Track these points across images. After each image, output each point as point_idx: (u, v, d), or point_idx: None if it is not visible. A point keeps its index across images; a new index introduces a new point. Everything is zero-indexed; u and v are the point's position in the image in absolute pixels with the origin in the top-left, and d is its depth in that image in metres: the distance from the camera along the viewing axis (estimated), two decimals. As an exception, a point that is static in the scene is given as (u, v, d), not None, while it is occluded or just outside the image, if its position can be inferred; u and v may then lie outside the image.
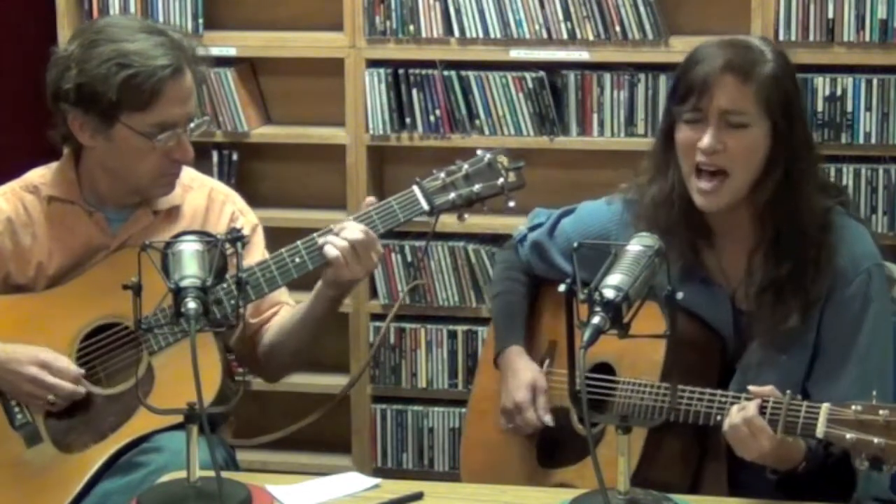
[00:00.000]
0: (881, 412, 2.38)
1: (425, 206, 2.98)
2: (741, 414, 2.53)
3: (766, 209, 2.77)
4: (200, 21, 4.38)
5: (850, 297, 2.73)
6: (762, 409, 2.51)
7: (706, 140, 2.72)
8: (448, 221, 3.05)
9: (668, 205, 2.79)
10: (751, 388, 2.57)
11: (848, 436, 2.40)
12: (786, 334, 2.74)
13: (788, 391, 2.52)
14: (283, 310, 3.15)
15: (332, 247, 2.91)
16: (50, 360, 2.91)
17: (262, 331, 3.13)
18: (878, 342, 2.74)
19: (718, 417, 2.63)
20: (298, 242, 2.95)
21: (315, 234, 2.95)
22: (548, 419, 2.92)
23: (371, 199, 3.01)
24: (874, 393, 2.44)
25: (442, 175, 2.98)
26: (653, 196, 2.83)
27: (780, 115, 2.73)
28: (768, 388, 2.55)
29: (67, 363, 2.93)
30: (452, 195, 2.98)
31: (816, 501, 2.59)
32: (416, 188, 2.98)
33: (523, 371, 2.98)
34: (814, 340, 2.75)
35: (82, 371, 2.93)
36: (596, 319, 2.36)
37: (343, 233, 2.92)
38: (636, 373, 2.80)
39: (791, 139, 2.74)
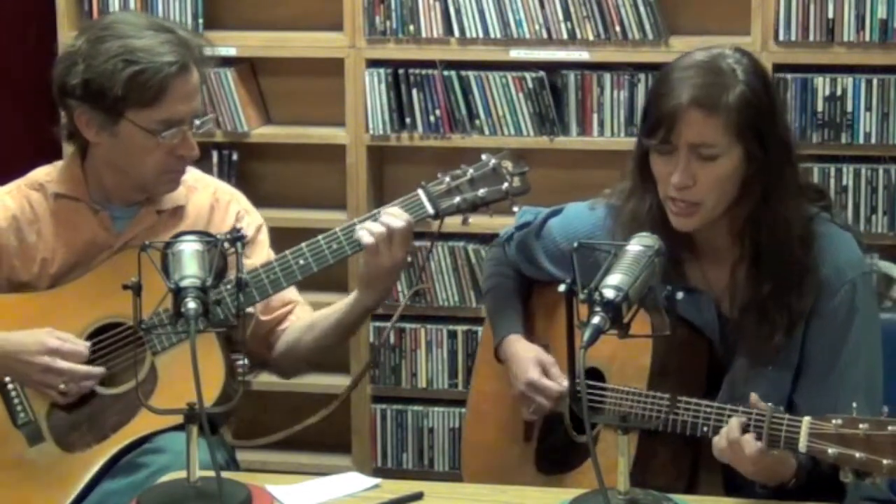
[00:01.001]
0: (861, 426, 2.36)
1: (430, 211, 2.97)
2: (725, 435, 2.52)
3: (746, 226, 2.73)
4: (200, 21, 4.39)
5: (835, 308, 2.70)
6: (746, 427, 2.51)
7: (676, 177, 2.66)
8: (449, 221, 3.04)
9: (649, 221, 2.76)
10: (753, 395, 2.55)
11: (830, 450, 2.38)
12: (770, 350, 2.71)
13: (770, 404, 2.50)
14: (299, 308, 3.16)
15: (368, 233, 2.92)
16: (58, 346, 2.90)
17: (278, 330, 3.14)
18: (864, 352, 2.71)
19: (705, 429, 2.62)
20: (303, 244, 2.96)
21: (321, 236, 2.96)
22: (566, 383, 2.87)
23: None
24: (854, 405, 2.41)
25: (447, 179, 2.98)
26: (632, 210, 2.80)
27: (751, 140, 2.66)
28: (755, 400, 2.54)
29: (74, 344, 2.91)
30: (457, 199, 2.97)
31: (812, 502, 2.60)
32: (420, 192, 2.98)
33: (526, 352, 2.96)
34: (800, 352, 2.73)
35: (88, 343, 2.93)
36: (596, 319, 2.35)
37: (381, 218, 2.93)
38: (625, 378, 2.80)
39: (766, 159, 2.68)
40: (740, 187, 2.70)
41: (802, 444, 2.43)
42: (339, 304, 3.08)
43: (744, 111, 2.65)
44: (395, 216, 2.92)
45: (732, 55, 2.72)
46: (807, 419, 2.43)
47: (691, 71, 2.69)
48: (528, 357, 2.95)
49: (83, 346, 2.92)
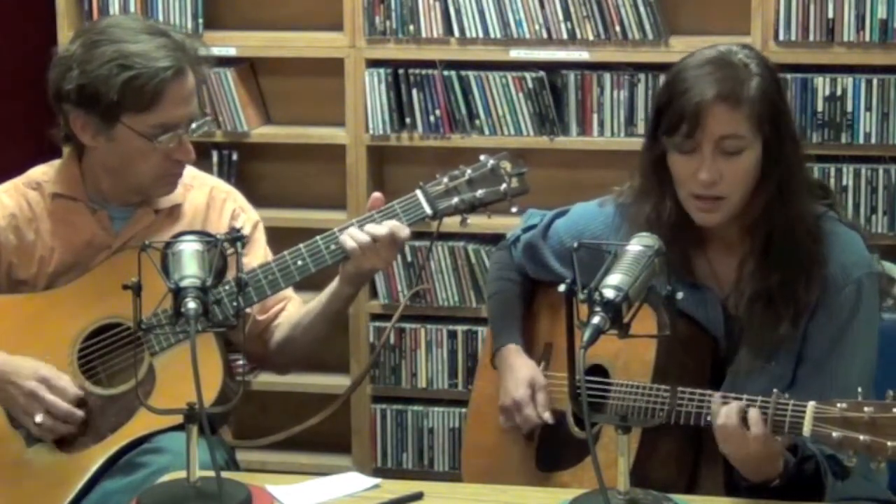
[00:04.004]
0: (866, 409, 2.37)
1: (428, 211, 2.97)
2: (725, 415, 2.53)
3: (758, 220, 2.75)
4: (200, 21, 4.38)
5: (839, 306, 2.71)
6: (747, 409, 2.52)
7: (704, 175, 2.68)
8: (449, 221, 3.05)
9: (661, 217, 2.77)
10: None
11: (834, 434, 2.39)
12: (776, 342, 2.73)
13: (775, 390, 2.51)
14: (291, 304, 3.17)
15: (350, 238, 2.92)
16: (51, 378, 2.90)
17: (272, 327, 3.15)
18: (861, 351, 2.72)
19: (709, 418, 2.63)
20: (301, 245, 2.96)
21: (318, 237, 2.96)
22: (547, 416, 2.90)
23: (378, 194, 3.01)
24: (859, 390, 2.43)
25: (445, 180, 2.98)
26: (643, 208, 2.81)
27: (770, 131, 2.70)
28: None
29: (68, 383, 2.91)
30: (455, 200, 2.97)
31: (814, 502, 2.60)
32: (419, 192, 2.98)
33: (521, 368, 2.97)
34: (799, 347, 2.74)
35: (81, 393, 2.93)
36: (596, 319, 2.36)
37: (366, 227, 2.93)
38: (629, 374, 2.80)
39: (782, 151, 2.71)
40: (758, 181, 2.72)
41: (807, 429, 2.43)
42: (320, 298, 3.09)
43: (764, 101, 2.69)
44: (379, 224, 2.92)
45: (741, 51, 2.75)
46: (811, 403, 2.45)
47: (707, 67, 2.71)
48: (521, 375, 2.95)
49: (73, 389, 2.91)
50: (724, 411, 2.53)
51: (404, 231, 2.94)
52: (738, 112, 2.67)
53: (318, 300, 3.09)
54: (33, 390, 2.89)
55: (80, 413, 2.91)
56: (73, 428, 2.91)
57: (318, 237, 2.96)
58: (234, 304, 2.72)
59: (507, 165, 2.99)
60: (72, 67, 2.94)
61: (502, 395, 2.97)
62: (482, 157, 3.01)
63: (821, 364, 2.71)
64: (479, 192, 2.98)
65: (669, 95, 2.73)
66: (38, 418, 2.88)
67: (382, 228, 2.92)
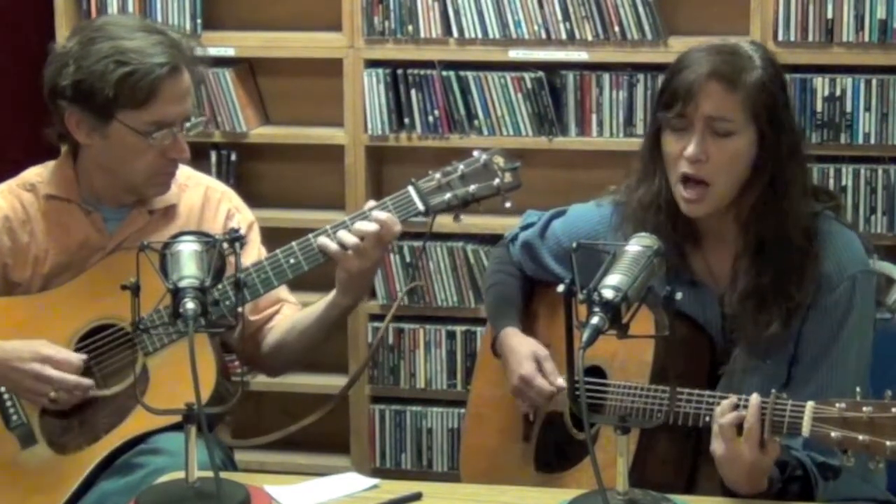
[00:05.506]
0: (865, 409, 2.37)
1: (420, 207, 2.97)
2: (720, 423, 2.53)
3: (751, 215, 2.75)
4: (199, 21, 4.38)
5: (833, 303, 2.71)
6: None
7: (691, 149, 2.70)
8: (446, 222, 3.05)
9: (655, 208, 2.78)
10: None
11: (833, 434, 2.40)
12: (768, 340, 2.73)
13: (773, 390, 2.51)
14: (287, 308, 3.16)
15: (329, 241, 2.91)
16: (51, 354, 2.90)
17: (265, 329, 3.14)
18: (854, 348, 2.72)
19: (707, 419, 2.62)
20: (293, 243, 2.95)
21: (311, 235, 2.95)
22: (560, 382, 2.87)
23: (372, 202, 3.01)
24: (858, 389, 2.43)
25: (437, 176, 2.98)
26: (640, 199, 2.82)
27: (765, 123, 2.71)
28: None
29: (68, 354, 2.92)
30: (448, 196, 2.97)
31: (812, 502, 2.60)
32: (411, 189, 2.97)
33: (521, 346, 2.96)
34: (794, 345, 2.74)
35: (84, 356, 2.93)
36: (595, 320, 2.35)
37: (338, 233, 2.92)
38: (627, 375, 2.80)
39: (777, 147, 2.72)
40: (749, 173, 2.73)
41: (806, 429, 2.44)
42: (318, 304, 3.08)
43: (762, 93, 2.71)
44: (355, 229, 2.91)
45: (749, 45, 2.81)
46: (810, 403, 2.45)
47: (712, 50, 2.76)
48: (522, 351, 2.95)
49: (76, 357, 2.92)
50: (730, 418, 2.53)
51: (396, 225, 2.92)
52: (733, 95, 2.70)
53: (316, 306, 3.08)
54: (38, 371, 2.89)
55: (88, 381, 2.91)
56: (86, 394, 2.91)
57: (310, 235, 2.95)
58: (228, 303, 2.72)
59: (499, 160, 2.99)
60: (68, 63, 2.94)
61: (509, 377, 2.95)
62: (475, 153, 3.01)
63: (816, 363, 2.71)
64: (472, 188, 2.97)
65: (670, 73, 2.77)
66: (52, 395, 2.89)
67: (371, 225, 2.91)
